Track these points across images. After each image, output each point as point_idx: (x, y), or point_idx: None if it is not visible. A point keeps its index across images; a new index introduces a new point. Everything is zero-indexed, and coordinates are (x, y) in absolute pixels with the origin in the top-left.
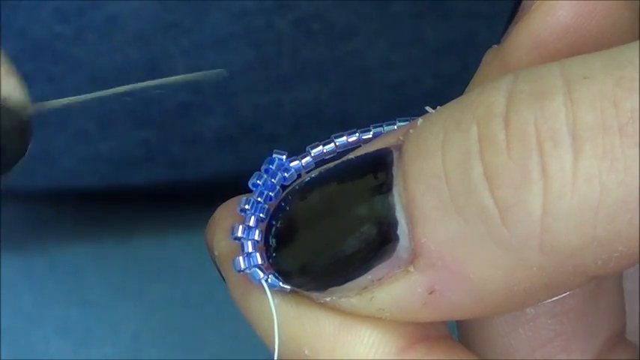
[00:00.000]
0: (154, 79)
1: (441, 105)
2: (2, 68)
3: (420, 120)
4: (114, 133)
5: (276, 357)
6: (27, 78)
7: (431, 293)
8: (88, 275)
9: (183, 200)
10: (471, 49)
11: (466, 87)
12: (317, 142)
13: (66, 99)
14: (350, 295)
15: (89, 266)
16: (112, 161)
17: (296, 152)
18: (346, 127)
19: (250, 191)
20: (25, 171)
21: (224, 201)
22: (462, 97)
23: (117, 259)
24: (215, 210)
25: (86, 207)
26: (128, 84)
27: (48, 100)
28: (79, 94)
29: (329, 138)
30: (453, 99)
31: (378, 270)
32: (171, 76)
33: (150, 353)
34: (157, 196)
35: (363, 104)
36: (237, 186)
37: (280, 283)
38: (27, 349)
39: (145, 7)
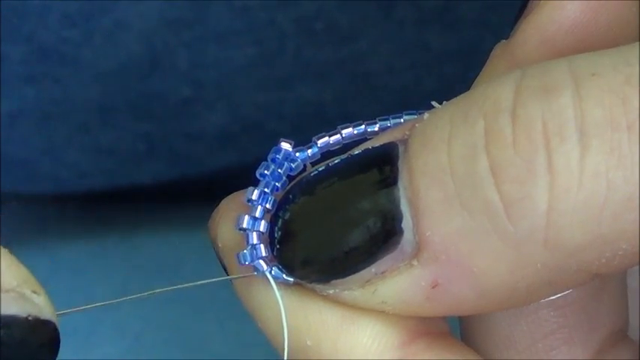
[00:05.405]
0: (155, 74)
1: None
2: (31, 285)
3: (426, 114)
4: (115, 126)
5: (286, 345)
6: (34, 79)
7: (434, 287)
8: (90, 274)
9: (185, 199)
10: (475, 57)
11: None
12: (323, 133)
13: (87, 306)
14: (353, 287)
15: (92, 265)
16: (114, 154)
17: None
18: None
19: (257, 181)
20: (31, 169)
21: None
22: (469, 91)
23: (119, 258)
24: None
25: (89, 206)
26: (131, 79)
27: (57, 100)
28: (84, 92)
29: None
30: None
31: (382, 263)
32: (173, 70)
33: (152, 353)
34: (160, 194)
35: (366, 106)
36: (239, 184)
37: (284, 275)
38: None
39: (150, 7)
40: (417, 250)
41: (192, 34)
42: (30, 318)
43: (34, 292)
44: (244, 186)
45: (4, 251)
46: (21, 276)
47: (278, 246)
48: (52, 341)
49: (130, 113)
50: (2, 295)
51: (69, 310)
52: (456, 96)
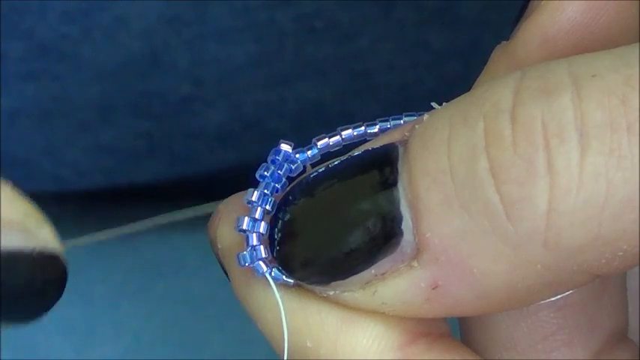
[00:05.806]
0: (155, 72)
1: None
2: (35, 219)
3: (426, 115)
4: (115, 124)
5: (285, 347)
6: (33, 77)
7: (434, 288)
8: (90, 274)
9: (185, 198)
10: (476, 56)
11: (471, 87)
12: (323, 135)
13: (95, 236)
14: (353, 289)
15: (91, 265)
16: (113, 153)
17: None
18: None
19: (256, 183)
20: (31, 167)
21: (226, 198)
22: (469, 93)
23: (119, 257)
24: (218, 206)
25: (88, 205)
26: (131, 77)
27: (57, 98)
28: (84, 90)
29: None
30: None
31: (382, 264)
32: (173, 68)
33: (152, 353)
34: (159, 194)
35: (366, 105)
36: (239, 183)
37: (284, 277)
38: (29, 348)
39: (149, 5)
40: (417, 252)
41: (192, 31)
42: (34, 253)
43: (39, 225)
44: (244, 186)
45: (5, 184)
46: (23, 209)
47: (278, 247)
48: (59, 277)
49: (130, 111)
50: (3, 229)
51: (76, 242)
52: (456, 95)
